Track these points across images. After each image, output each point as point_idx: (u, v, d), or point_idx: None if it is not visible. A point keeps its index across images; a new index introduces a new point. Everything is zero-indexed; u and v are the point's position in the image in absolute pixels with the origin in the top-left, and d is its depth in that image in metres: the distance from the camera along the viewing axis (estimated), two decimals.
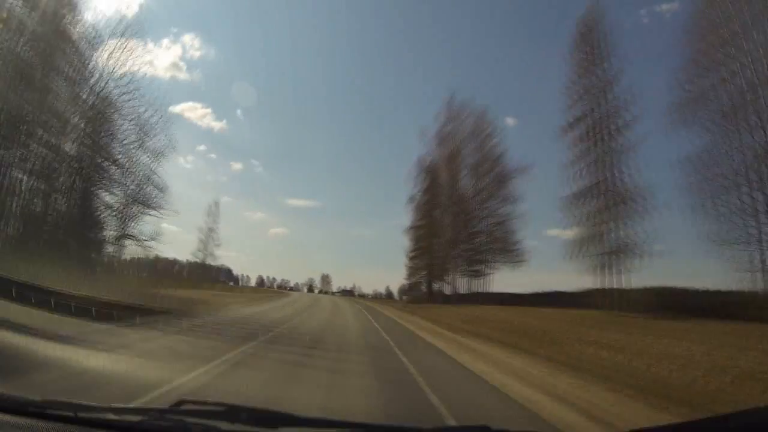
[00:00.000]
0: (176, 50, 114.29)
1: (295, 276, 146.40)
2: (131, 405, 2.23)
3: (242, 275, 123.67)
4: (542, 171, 71.70)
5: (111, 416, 2.00)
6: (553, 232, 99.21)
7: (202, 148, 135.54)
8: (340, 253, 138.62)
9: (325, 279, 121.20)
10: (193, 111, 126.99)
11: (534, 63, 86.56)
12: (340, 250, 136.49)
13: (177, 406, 2.25)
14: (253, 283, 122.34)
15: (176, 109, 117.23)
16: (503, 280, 55.15)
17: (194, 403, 2.41)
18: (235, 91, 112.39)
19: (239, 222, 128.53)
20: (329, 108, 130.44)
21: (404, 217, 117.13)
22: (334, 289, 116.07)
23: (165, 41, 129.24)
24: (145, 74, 28.00)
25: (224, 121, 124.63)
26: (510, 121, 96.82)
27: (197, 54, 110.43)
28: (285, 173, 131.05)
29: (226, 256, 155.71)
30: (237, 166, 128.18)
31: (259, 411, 2.12)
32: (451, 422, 4.78)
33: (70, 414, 1.97)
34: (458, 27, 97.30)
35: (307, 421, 2.18)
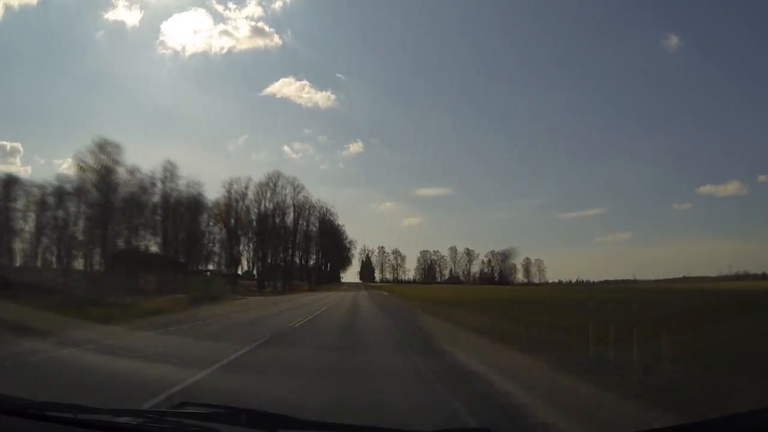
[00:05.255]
0: (253, 9, 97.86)
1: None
2: (131, 407, 2.22)
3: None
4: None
5: (110, 418, 2.00)
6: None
7: (307, 131, 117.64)
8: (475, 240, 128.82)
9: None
10: (287, 87, 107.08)
11: None
12: (475, 236, 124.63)
13: (177, 408, 2.24)
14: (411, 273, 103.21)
15: (267, 90, 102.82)
16: None
17: (195, 405, 2.41)
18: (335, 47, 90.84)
19: (368, 214, 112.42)
20: (456, 71, 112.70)
21: (550, 192, 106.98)
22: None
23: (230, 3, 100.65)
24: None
25: (328, 91, 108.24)
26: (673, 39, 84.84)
27: (278, 5, 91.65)
28: (411, 154, 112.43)
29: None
30: (355, 147, 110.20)
31: (258, 413, 2.11)
32: (454, 424, 4.75)
33: (70, 416, 1.96)
34: None
35: (306, 423, 2.16)
